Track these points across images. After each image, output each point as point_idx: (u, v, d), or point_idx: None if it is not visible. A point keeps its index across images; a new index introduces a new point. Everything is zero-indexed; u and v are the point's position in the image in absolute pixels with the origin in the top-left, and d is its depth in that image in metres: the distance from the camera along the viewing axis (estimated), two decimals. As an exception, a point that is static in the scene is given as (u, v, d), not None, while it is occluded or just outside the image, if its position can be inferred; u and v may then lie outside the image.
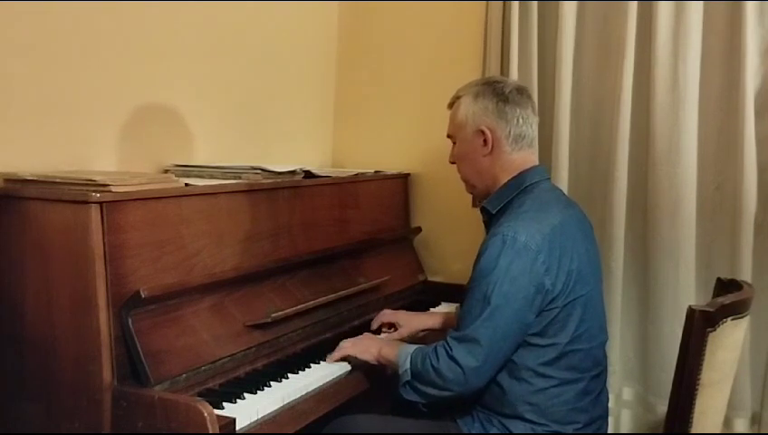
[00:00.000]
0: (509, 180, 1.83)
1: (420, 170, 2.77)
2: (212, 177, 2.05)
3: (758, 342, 2.23)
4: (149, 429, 1.49)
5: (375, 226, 2.53)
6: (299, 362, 1.87)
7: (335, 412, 1.79)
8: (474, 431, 1.76)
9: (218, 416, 1.47)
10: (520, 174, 1.83)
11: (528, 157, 1.86)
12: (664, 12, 2.27)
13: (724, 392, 1.66)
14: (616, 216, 2.36)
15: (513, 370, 1.72)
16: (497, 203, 1.83)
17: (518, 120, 1.82)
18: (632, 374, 2.44)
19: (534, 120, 1.87)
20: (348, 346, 1.91)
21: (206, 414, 1.43)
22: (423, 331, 2.15)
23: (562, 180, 2.42)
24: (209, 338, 1.73)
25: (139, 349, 1.56)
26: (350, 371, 1.88)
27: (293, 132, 2.74)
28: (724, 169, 2.27)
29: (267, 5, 2.53)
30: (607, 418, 1.89)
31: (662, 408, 2.26)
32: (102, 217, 1.54)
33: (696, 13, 2.25)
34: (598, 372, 1.81)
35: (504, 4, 2.51)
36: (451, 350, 1.68)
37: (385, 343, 1.92)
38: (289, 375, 1.80)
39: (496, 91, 1.83)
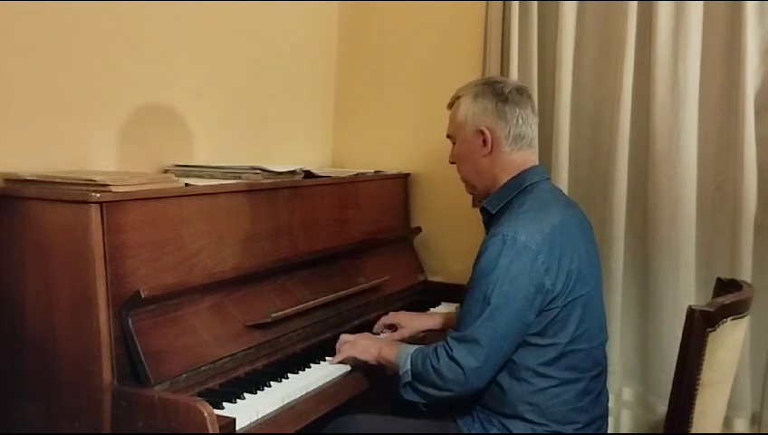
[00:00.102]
0: (509, 180, 1.83)
1: (420, 170, 2.77)
2: (212, 177, 2.05)
3: (758, 342, 2.23)
4: (149, 429, 1.49)
5: (375, 226, 2.53)
6: (299, 362, 1.87)
7: (335, 412, 1.79)
8: (474, 431, 1.76)
9: (218, 416, 1.47)
10: (520, 174, 1.83)
11: (528, 157, 1.85)
12: (664, 12, 2.27)
13: (724, 392, 1.66)
14: (616, 216, 2.36)
15: (513, 370, 1.72)
16: (497, 203, 1.83)
17: (517, 120, 1.82)
18: (632, 374, 2.44)
19: (534, 121, 1.87)
20: (347, 347, 1.91)
21: (206, 414, 1.43)
22: (424, 331, 2.15)
23: (562, 180, 2.42)
24: (209, 338, 1.73)
25: (139, 349, 1.56)
26: (350, 371, 1.88)
27: (293, 132, 2.74)
28: (724, 169, 2.27)
29: (267, 5, 2.53)
30: (607, 418, 1.89)
31: (662, 408, 2.26)
32: (102, 217, 1.54)
33: (696, 13, 2.25)
34: (598, 371, 1.81)
35: (504, 4, 2.51)
36: (451, 350, 1.68)
37: (385, 343, 1.92)
38: (289, 375, 1.80)
39: (496, 91, 1.83)
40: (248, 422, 1.56)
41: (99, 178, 1.60)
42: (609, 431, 2.05)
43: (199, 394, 1.64)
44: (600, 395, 1.83)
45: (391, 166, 2.75)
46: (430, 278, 2.72)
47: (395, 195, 2.71)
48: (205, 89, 2.31)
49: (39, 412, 1.60)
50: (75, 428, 1.56)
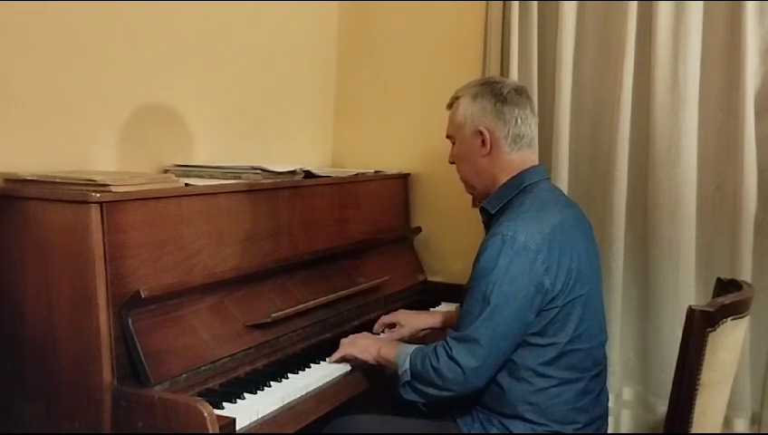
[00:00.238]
0: (508, 180, 1.83)
1: (420, 170, 2.77)
2: (212, 177, 2.05)
3: (758, 342, 2.23)
4: (149, 429, 1.49)
5: (375, 226, 2.53)
6: (299, 362, 1.87)
7: (335, 412, 1.79)
8: (474, 431, 1.76)
9: (218, 416, 1.47)
10: (519, 174, 1.83)
11: (527, 157, 1.85)
12: (664, 12, 2.27)
13: (724, 392, 1.66)
14: (616, 216, 2.36)
15: (512, 369, 1.72)
16: (496, 203, 1.83)
17: (516, 120, 1.82)
18: (632, 374, 2.44)
19: (533, 121, 1.87)
20: (347, 346, 1.91)
21: (206, 414, 1.43)
22: (424, 330, 2.15)
23: (562, 180, 2.42)
24: (209, 338, 1.73)
25: (139, 349, 1.56)
26: (350, 371, 1.88)
27: (293, 132, 2.74)
28: (724, 169, 2.27)
29: (267, 5, 2.53)
30: (607, 418, 1.89)
31: (662, 408, 2.26)
32: (102, 217, 1.54)
33: (696, 13, 2.25)
34: (597, 371, 1.81)
35: (504, 4, 2.51)
36: (451, 350, 1.68)
37: (384, 342, 1.92)
38: (289, 375, 1.80)
39: (495, 91, 1.83)
40: (248, 422, 1.56)
41: (99, 178, 1.60)
42: (609, 431, 2.05)
43: (199, 394, 1.64)
44: (600, 395, 1.83)
45: (391, 166, 2.75)
46: (430, 278, 2.72)
47: (395, 195, 2.71)
48: (205, 89, 2.31)
49: (39, 412, 1.60)
50: (75, 428, 1.56)
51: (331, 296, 2.11)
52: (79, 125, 1.92)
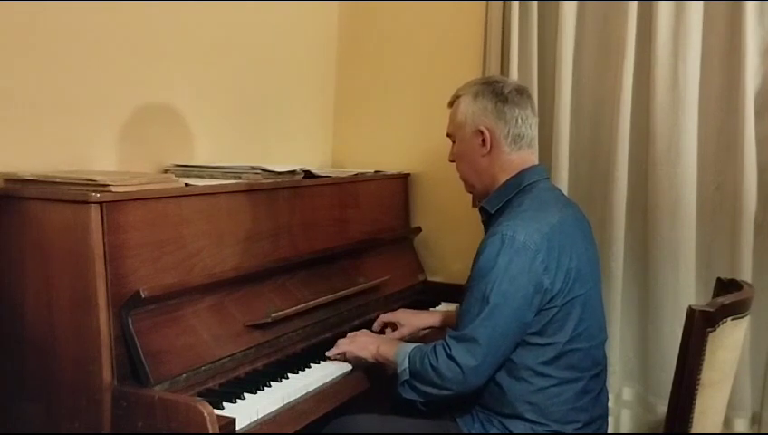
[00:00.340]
0: (508, 180, 1.83)
1: (420, 170, 2.77)
2: (212, 177, 2.05)
3: (758, 342, 2.23)
4: (149, 429, 1.49)
5: (375, 226, 2.53)
6: (299, 362, 1.87)
7: (335, 412, 1.80)
8: (474, 431, 1.76)
9: (218, 416, 1.47)
10: (519, 174, 1.83)
11: (527, 157, 1.85)
12: (664, 12, 2.27)
13: (724, 392, 1.66)
14: (616, 216, 2.36)
15: (512, 369, 1.72)
16: (496, 203, 1.83)
17: (517, 120, 1.82)
18: (632, 374, 2.44)
19: (534, 121, 1.87)
20: (346, 343, 1.91)
21: (206, 414, 1.43)
22: (424, 330, 2.15)
23: (562, 180, 2.42)
24: (209, 338, 1.73)
25: (139, 349, 1.56)
26: (350, 371, 1.88)
27: (293, 132, 2.74)
28: (724, 169, 2.27)
29: (267, 5, 2.53)
30: (607, 417, 1.89)
31: (662, 408, 2.26)
32: (102, 217, 1.54)
33: (696, 13, 2.25)
34: (597, 371, 1.81)
35: (504, 4, 2.51)
36: (450, 349, 1.68)
37: (383, 340, 1.92)
38: (289, 375, 1.80)
39: (496, 91, 1.83)
40: (248, 422, 1.56)
41: (99, 178, 1.60)
42: (609, 431, 2.05)
43: (199, 394, 1.64)
44: (600, 395, 1.83)
45: (391, 166, 2.75)
46: (430, 278, 2.72)
47: (395, 195, 2.71)
48: (205, 89, 2.31)
49: (39, 412, 1.60)
50: (75, 428, 1.56)
51: (331, 296, 2.11)
52: (79, 125, 1.92)
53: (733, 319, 1.54)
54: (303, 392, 1.74)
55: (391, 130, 2.82)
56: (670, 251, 2.30)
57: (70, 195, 1.56)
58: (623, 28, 2.32)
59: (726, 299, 1.57)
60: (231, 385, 1.72)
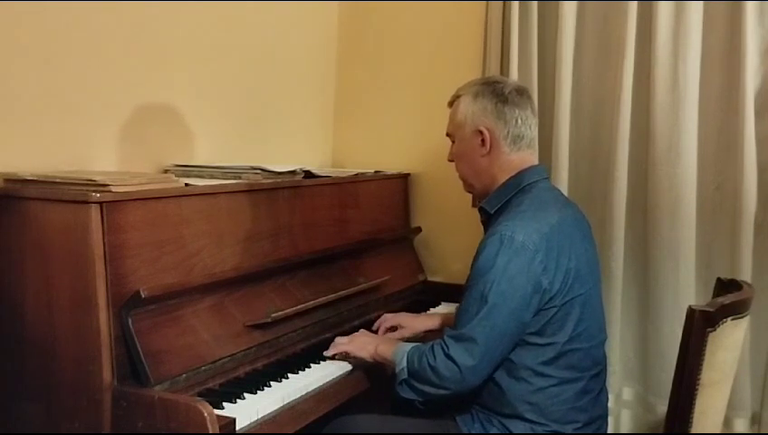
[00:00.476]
0: (507, 180, 1.83)
1: (420, 170, 2.77)
2: (212, 177, 2.05)
3: (758, 342, 2.23)
4: (149, 429, 1.49)
5: (375, 226, 2.53)
6: (299, 362, 1.87)
7: (335, 412, 1.80)
8: (474, 431, 1.76)
9: (218, 416, 1.47)
10: (518, 174, 1.82)
11: (527, 157, 1.85)
12: (664, 12, 2.27)
13: (724, 392, 1.66)
14: (616, 216, 2.36)
15: (512, 369, 1.72)
16: (495, 203, 1.83)
17: (517, 120, 1.82)
18: (632, 374, 2.44)
19: (534, 121, 1.86)
20: (344, 343, 1.91)
21: (206, 414, 1.43)
22: (425, 332, 2.14)
23: (562, 180, 2.42)
24: (209, 338, 1.73)
25: (139, 349, 1.56)
26: (350, 371, 1.88)
27: (293, 132, 2.74)
28: (724, 169, 2.27)
29: (267, 5, 2.53)
30: (607, 417, 1.89)
31: (662, 408, 2.26)
32: (102, 217, 1.54)
33: (696, 13, 2.25)
34: (597, 371, 1.81)
35: (504, 4, 2.51)
36: (448, 348, 1.68)
37: (382, 340, 1.92)
38: (289, 375, 1.80)
39: (496, 91, 1.83)
40: (248, 422, 1.56)
41: (99, 178, 1.60)
42: (609, 431, 2.05)
43: (199, 394, 1.64)
44: (600, 395, 1.83)
45: (391, 166, 2.75)
46: (430, 278, 2.72)
47: (395, 195, 2.71)
48: (205, 89, 2.31)
49: (39, 412, 1.60)
50: (75, 428, 1.56)
51: (331, 296, 2.11)
52: (79, 125, 1.92)
53: (733, 319, 1.54)
54: (303, 392, 1.74)
55: (391, 130, 2.82)
56: (670, 251, 2.30)
57: (70, 195, 1.56)
58: (623, 28, 2.32)
59: (726, 299, 1.57)
60: (231, 385, 1.72)
